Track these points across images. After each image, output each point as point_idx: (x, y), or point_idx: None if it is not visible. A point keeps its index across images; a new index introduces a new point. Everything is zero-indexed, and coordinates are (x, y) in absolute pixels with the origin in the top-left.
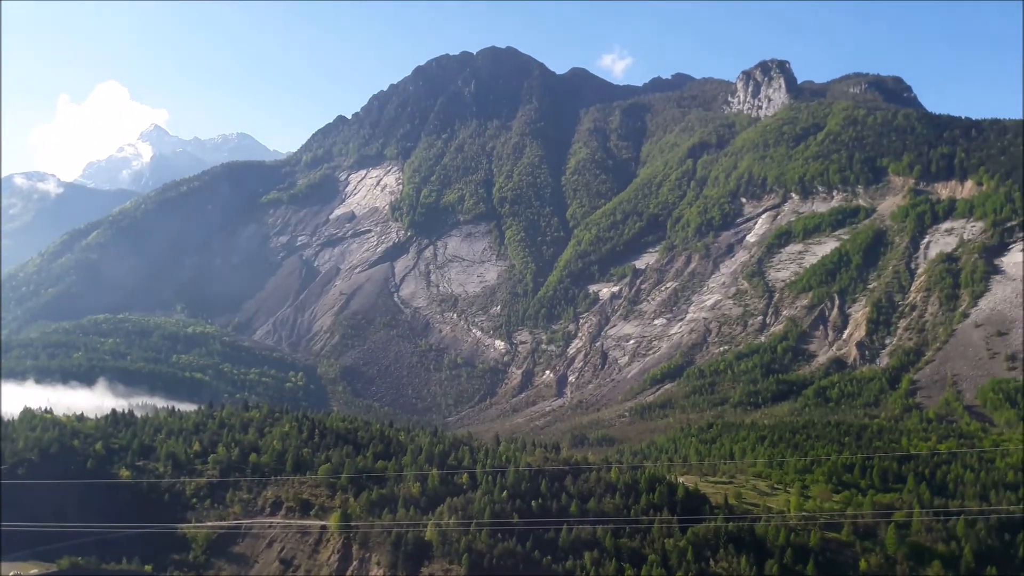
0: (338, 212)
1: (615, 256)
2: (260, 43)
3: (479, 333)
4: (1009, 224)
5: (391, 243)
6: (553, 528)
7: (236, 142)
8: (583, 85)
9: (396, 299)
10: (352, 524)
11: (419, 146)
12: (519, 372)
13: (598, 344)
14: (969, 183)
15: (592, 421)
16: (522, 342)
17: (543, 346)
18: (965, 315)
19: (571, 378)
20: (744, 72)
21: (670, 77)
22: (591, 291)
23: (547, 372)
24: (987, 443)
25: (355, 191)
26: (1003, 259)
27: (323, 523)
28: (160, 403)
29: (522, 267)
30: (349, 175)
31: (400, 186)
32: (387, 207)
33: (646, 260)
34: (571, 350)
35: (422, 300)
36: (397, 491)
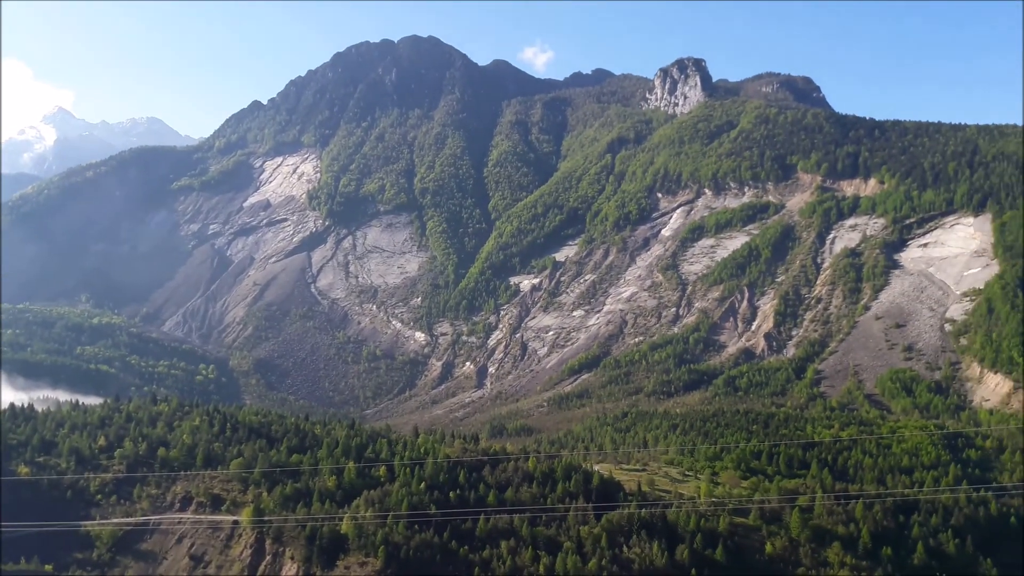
0: (252, 200)
1: (536, 248)
2: (173, 23)
3: (399, 325)
4: (908, 221)
5: (308, 233)
6: (470, 518)
7: (146, 126)
8: (505, 77)
9: (313, 290)
10: (265, 519)
11: (338, 134)
12: (439, 364)
13: (518, 335)
14: (872, 181)
15: (511, 411)
16: (443, 334)
17: (464, 337)
18: (866, 308)
19: (491, 369)
20: (661, 69)
21: (590, 72)
22: (512, 283)
23: (467, 363)
24: (885, 430)
25: (271, 179)
26: (902, 254)
27: (235, 518)
28: (63, 396)
29: (443, 258)
30: (264, 162)
31: (318, 174)
32: (304, 196)
33: (566, 253)
34: (491, 341)
35: (340, 291)
36: (312, 485)
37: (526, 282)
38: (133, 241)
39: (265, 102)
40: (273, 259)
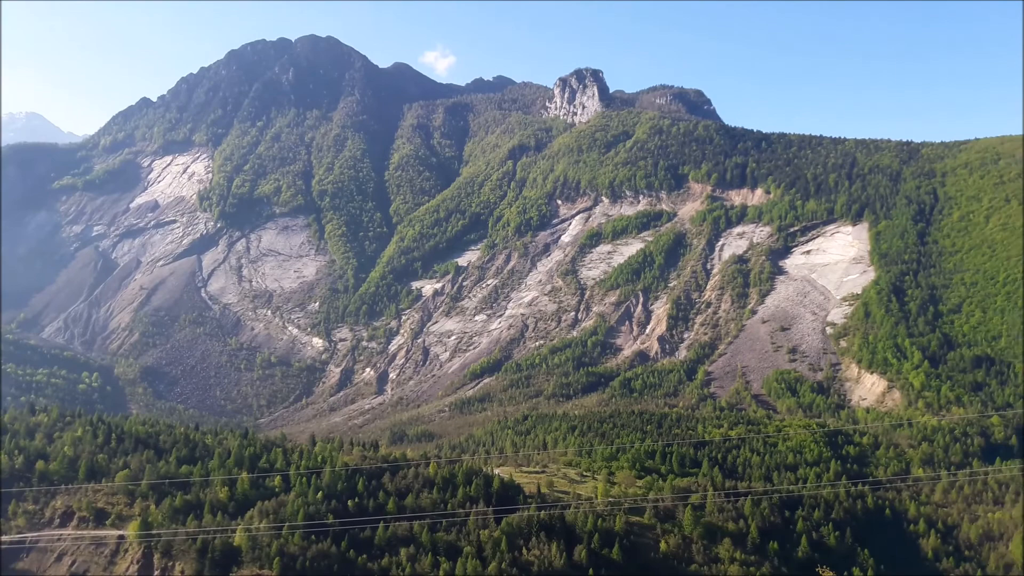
0: (140, 200)
1: (438, 253)
2: (56, 14)
3: (295, 330)
4: (792, 229)
5: (199, 235)
6: (370, 526)
7: (25, 122)
8: (407, 81)
9: (204, 295)
10: (153, 532)
11: (232, 133)
12: (338, 370)
13: (420, 340)
14: (759, 191)
15: (412, 417)
16: (342, 339)
17: (364, 343)
18: (753, 312)
19: (392, 375)
20: (561, 79)
21: (492, 79)
22: (414, 288)
23: (367, 369)
24: (771, 428)
25: (159, 178)
26: (786, 261)
27: (120, 533)
28: None
29: (343, 262)
30: (153, 161)
31: (210, 174)
32: (195, 196)
33: (468, 257)
34: (392, 347)
35: (233, 296)
36: (203, 496)
37: (428, 287)
38: (10, 243)
39: (155, 99)
40: (161, 262)
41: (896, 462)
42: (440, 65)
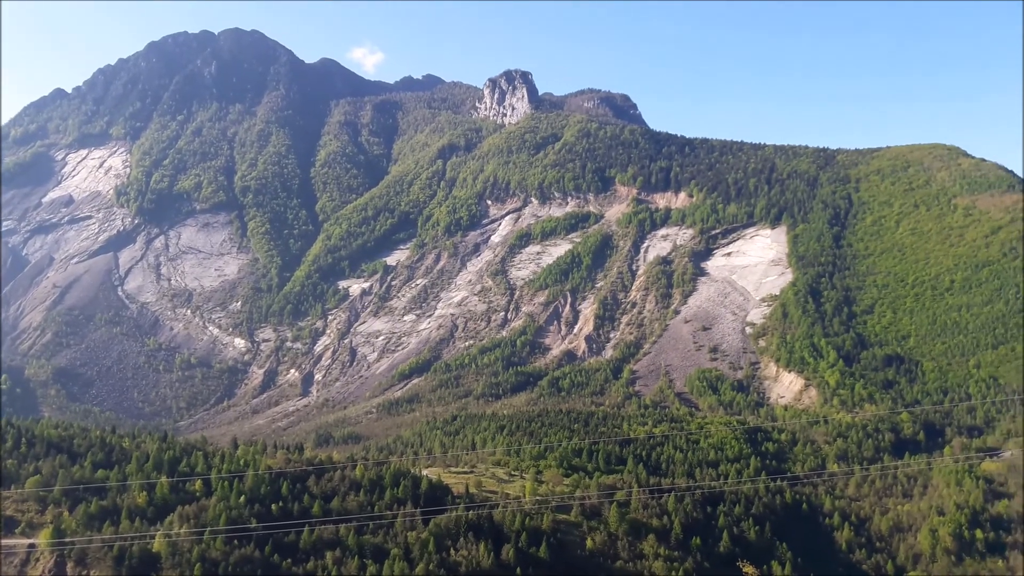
0: (53, 195)
1: (366, 252)
2: None
3: (216, 331)
4: (713, 232)
5: (115, 231)
6: (294, 530)
7: None
8: (334, 77)
9: (120, 293)
10: (67, 540)
11: (151, 127)
12: (261, 371)
13: (347, 341)
14: (682, 194)
15: (339, 419)
16: (265, 340)
17: (288, 344)
18: (676, 312)
19: (318, 376)
20: (490, 80)
21: (421, 77)
22: (341, 287)
23: (292, 371)
24: (693, 426)
25: (74, 172)
26: (708, 263)
27: (31, 541)
28: None
29: (266, 261)
30: (67, 155)
31: (128, 169)
32: (111, 192)
33: (397, 257)
34: (318, 347)
35: (151, 295)
36: (121, 502)
37: (356, 286)
38: None
39: (70, 90)
40: (75, 259)
41: (812, 458)
42: (368, 62)
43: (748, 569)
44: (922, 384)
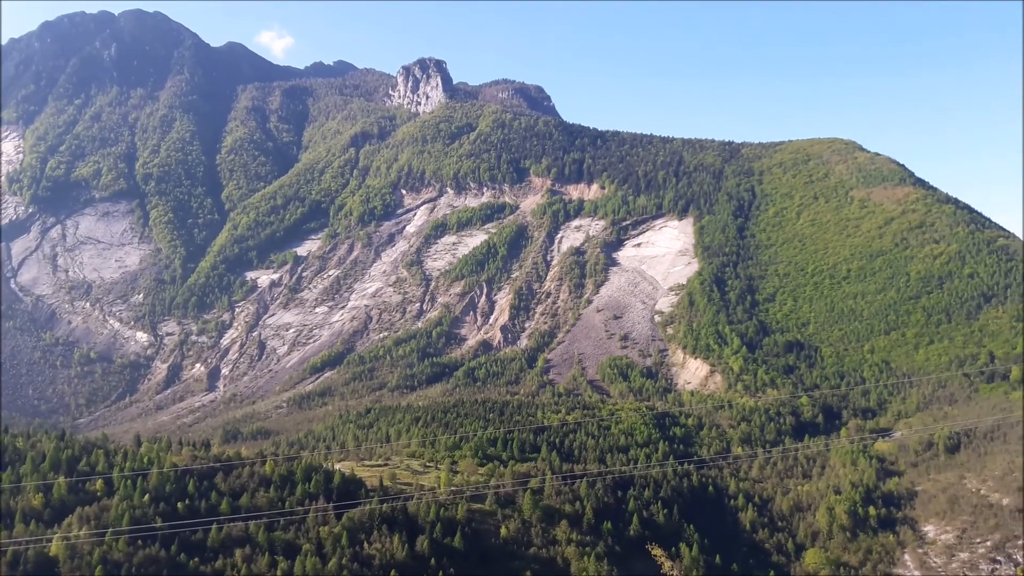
0: None
1: (275, 242)
2: None
3: (117, 324)
4: (624, 223)
5: (7, 220)
6: (202, 529)
7: None
8: (241, 61)
9: (13, 285)
10: None
11: (46, 111)
12: (165, 366)
13: (255, 334)
14: (595, 186)
15: (247, 414)
16: (169, 333)
17: (193, 337)
18: (589, 301)
19: (224, 371)
20: (404, 67)
21: (332, 63)
22: (248, 278)
23: (197, 365)
24: (605, 412)
25: None
26: (619, 253)
27: None
28: None
29: (170, 251)
30: None
31: (20, 155)
32: (3, 179)
33: (308, 247)
34: (225, 341)
35: (47, 287)
36: (15, 504)
37: (264, 277)
38: None
39: None
40: None
41: (718, 441)
42: (277, 46)
43: (657, 551)
44: (820, 369)
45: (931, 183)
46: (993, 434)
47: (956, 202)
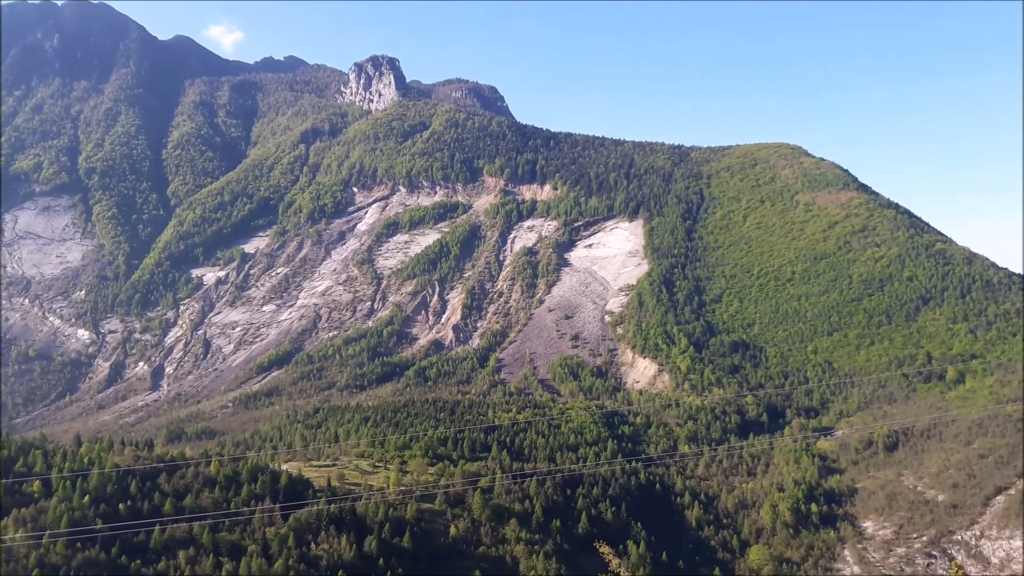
0: None
1: (222, 239)
2: None
3: (57, 321)
4: (576, 224)
5: None
6: (144, 530)
7: None
8: (189, 55)
9: None
10: None
11: None
12: (107, 364)
13: (201, 332)
14: (547, 187)
15: (192, 414)
16: (111, 331)
17: (136, 335)
18: (541, 301)
19: (169, 369)
20: (356, 64)
21: (283, 59)
22: (194, 275)
23: (141, 364)
24: (555, 411)
25: None
26: (571, 253)
27: None
28: None
29: (113, 247)
30: None
31: None
32: None
33: (256, 244)
34: (169, 339)
35: None
36: None
37: (211, 275)
38: None
39: None
40: None
41: (665, 440)
42: (226, 40)
43: (604, 549)
44: (765, 369)
45: (873, 188)
46: (930, 432)
47: (897, 207)
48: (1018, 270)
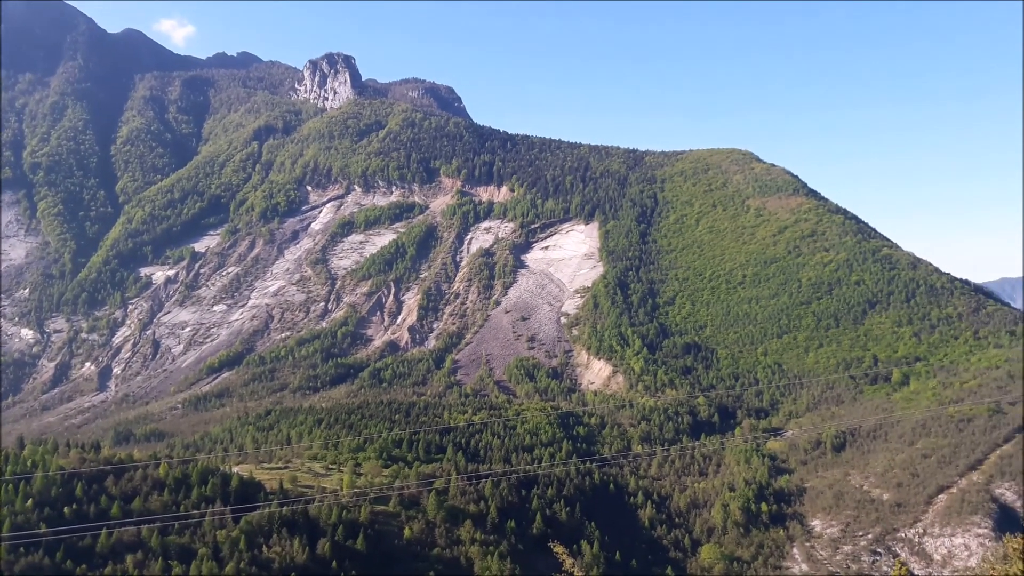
0: None
1: (172, 237)
2: None
3: (1, 321)
4: (533, 226)
5: None
6: (90, 534)
7: None
8: (139, 49)
9: None
10: None
11: None
12: (52, 365)
13: (149, 332)
14: (504, 188)
15: (140, 415)
16: (56, 331)
17: (83, 335)
18: (497, 303)
19: (116, 370)
20: (311, 61)
21: (236, 55)
22: (143, 274)
23: (87, 364)
24: (511, 412)
25: None
26: (528, 255)
27: None
28: None
29: (59, 245)
30: None
31: None
32: None
33: (206, 243)
34: (117, 339)
35: None
36: None
37: (160, 273)
38: None
39: None
40: None
41: (619, 440)
42: (178, 35)
43: (558, 549)
44: (717, 370)
45: (823, 194)
46: (875, 433)
47: (845, 212)
48: (1015, 275)
